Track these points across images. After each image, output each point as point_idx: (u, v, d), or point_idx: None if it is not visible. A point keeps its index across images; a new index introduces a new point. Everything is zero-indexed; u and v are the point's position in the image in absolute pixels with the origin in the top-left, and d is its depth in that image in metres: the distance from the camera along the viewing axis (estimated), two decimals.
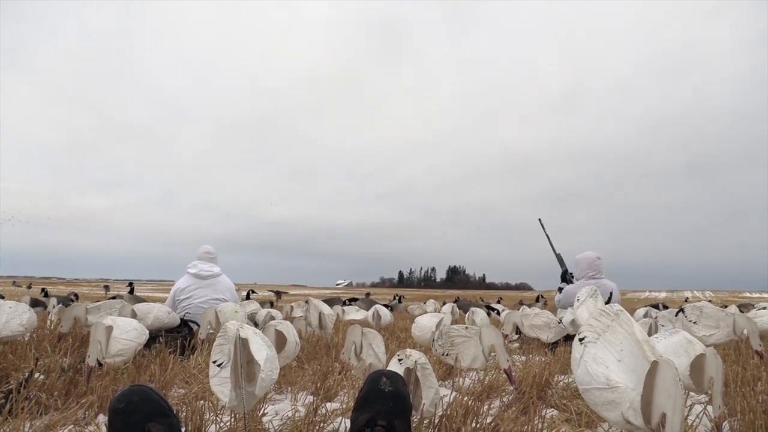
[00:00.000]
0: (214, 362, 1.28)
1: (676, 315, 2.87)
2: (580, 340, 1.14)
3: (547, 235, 5.05)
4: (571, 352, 3.20)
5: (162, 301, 5.04)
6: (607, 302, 3.94)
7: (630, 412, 0.98)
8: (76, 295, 8.97)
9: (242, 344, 1.27)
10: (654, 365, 0.96)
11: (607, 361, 1.05)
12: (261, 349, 1.26)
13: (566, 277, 4.65)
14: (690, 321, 2.73)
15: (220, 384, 1.26)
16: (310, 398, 1.95)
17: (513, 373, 1.89)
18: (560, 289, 4.49)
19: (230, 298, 3.82)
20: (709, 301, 4.44)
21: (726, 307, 3.80)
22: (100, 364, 2.02)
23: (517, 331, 3.92)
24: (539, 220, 5.17)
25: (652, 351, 0.99)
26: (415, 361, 1.46)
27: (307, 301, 3.73)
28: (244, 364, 1.27)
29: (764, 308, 3.97)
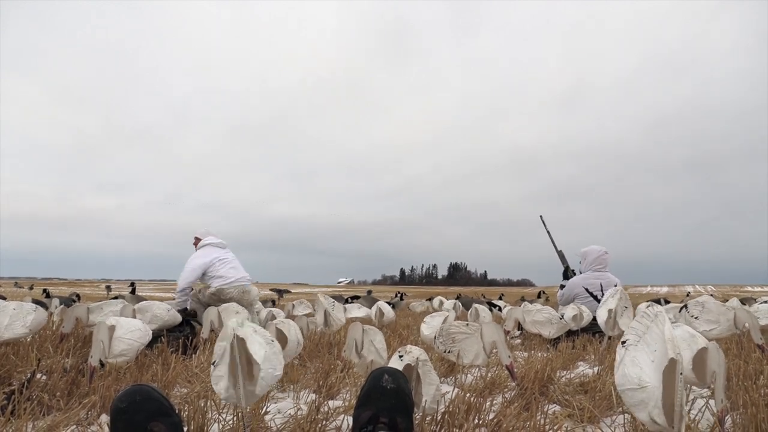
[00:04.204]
0: (213, 363, 1.28)
1: (680, 311, 2.85)
2: (623, 343, 1.13)
3: (549, 232, 5.04)
4: (572, 348, 3.19)
5: (164, 300, 5.03)
6: None
7: (655, 411, 0.99)
8: (77, 295, 8.98)
9: (240, 343, 1.25)
10: (671, 363, 0.96)
11: (642, 363, 1.05)
12: (260, 348, 1.24)
13: (568, 275, 4.63)
14: (692, 316, 2.72)
15: (217, 381, 1.25)
16: (313, 396, 1.95)
17: (515, 369, 1.89)
18: (562, 287, 4.46)
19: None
20: (711, 295, 4.43)
21: (726, 301, 3.79)
22: (102, 365, 2.02)
23: (519, 327, 3.92)
24: (540, 216, 5.17)
25: (673, 348, 0.98)
26: (416, 358, 1.46)
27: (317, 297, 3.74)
28: (244, 362, 1.26)
29: (765, 302, 3.97)
